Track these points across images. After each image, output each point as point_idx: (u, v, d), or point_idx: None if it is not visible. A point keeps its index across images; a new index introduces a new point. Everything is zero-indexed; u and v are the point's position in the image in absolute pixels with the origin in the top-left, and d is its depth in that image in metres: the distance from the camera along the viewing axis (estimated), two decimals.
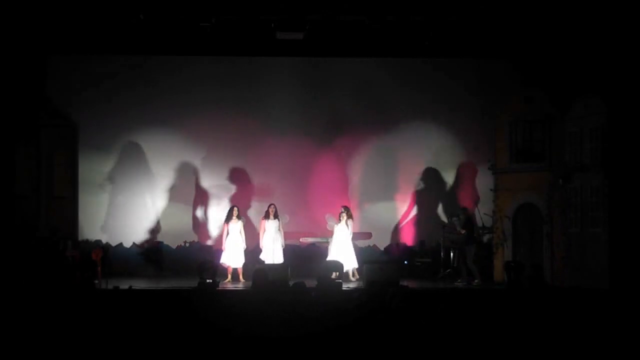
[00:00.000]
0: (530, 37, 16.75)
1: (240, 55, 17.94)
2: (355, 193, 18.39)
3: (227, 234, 16.03)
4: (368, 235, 17.87)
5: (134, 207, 18.01)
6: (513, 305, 9.08)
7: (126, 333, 6.91)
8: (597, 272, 14.92)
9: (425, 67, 18.40)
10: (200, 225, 18.18)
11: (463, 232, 15.89)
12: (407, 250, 18.03)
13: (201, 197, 18.26)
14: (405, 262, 17.58)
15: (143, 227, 17.96)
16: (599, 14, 15.24)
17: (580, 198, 15.48)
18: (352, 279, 16.01)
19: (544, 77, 16.96)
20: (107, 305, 8.26)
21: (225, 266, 15.92)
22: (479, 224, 16.83)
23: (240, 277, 15.96)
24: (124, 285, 12.21)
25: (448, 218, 17.20)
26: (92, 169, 17.94)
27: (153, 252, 17.71)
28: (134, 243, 17.85)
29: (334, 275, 14.70)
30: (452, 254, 16.85)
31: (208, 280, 13.51)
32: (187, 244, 17.93)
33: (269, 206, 16.27)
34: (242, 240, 16.05)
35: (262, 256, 15.88)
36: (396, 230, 18.35)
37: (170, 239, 17.98)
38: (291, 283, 10.06)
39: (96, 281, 14.68)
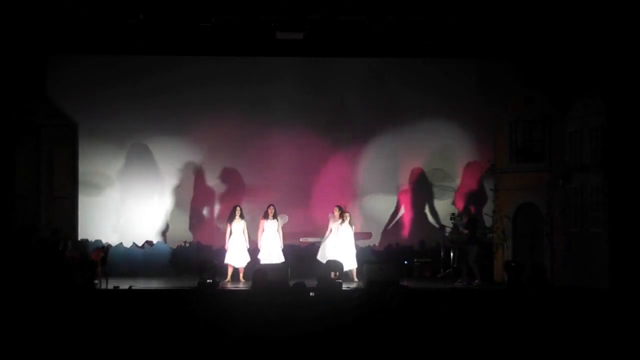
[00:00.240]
0: (530, 37, 16.77)
1: (240, 55, 17.95)
2: (356, 193, 18.40)
3: (230, 233, 16.03)
4: (368, 235, 17.87)
5: (134, 207, 18.02)
6: (513, 305, 9.07)
7: (126, 333, 6.91)
8: (597, 272, 14.93)
9: (426, 67, 18.41)
10: (200, 226, 18.18)
11: (466, 232, 15.90)
12: (407, 250, 18.03)
13: (201, 197, 18.27)
14: (405, 262, 17.59)
15: (143, 227, 17.96)
16: (598, 14, 15.24)
17: (580, 198, 15.48)
18: (355, 279, 15.97)
19: (544, 77, 16.97)
20: (107, 305, 8.26)
21: (232, 265, 15.90)
22: (487, 224, 16.87)
23: (240, 277, 15.96)
24: (124, 285, 12.23)
25: (450, 217, 17.19)
26: (92, 169, 17.95)
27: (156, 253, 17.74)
28: (134, 243, 17.85)
29: (333, 275, 14.71)
30: (452, 254, 16.86)
31: (208, 280, 13.53)
32: (187, 244, 17.93)
33: (269, 207, 16.25)
34: (245, 240, 16.05)
35: (259, 256, 15.88)
36: (396, 230, 18.36)
37: (170, 239, 18.01)
38: (291, 283, 10.05)
39: (96, 281, 14.70)
